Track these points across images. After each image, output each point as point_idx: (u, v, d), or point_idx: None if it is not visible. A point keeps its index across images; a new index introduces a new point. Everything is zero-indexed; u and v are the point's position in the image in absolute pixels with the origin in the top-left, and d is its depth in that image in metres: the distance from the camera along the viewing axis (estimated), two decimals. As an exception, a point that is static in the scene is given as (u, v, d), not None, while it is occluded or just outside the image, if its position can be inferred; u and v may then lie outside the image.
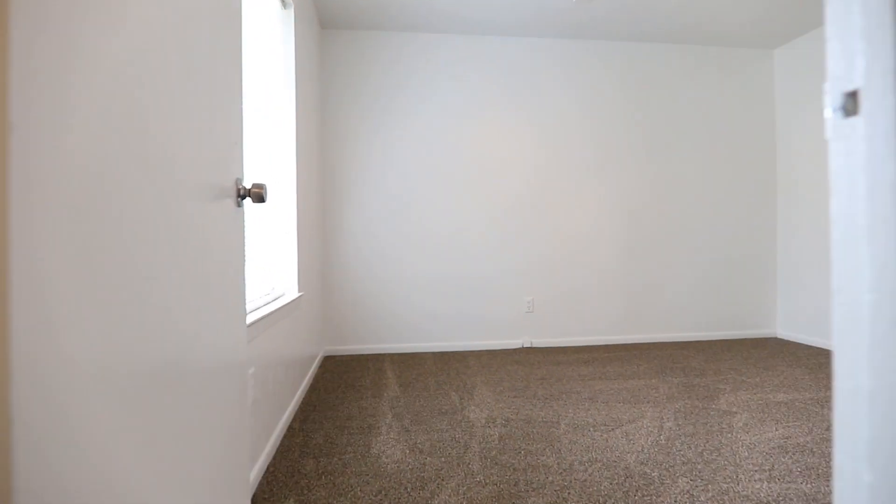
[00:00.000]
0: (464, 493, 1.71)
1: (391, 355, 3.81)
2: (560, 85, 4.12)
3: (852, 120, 0.58)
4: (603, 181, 4.18)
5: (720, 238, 4.36)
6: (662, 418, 2.40)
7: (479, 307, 4.03)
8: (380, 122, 3.91)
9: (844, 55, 0.59)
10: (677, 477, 1.81)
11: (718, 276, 4.36)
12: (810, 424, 2.30)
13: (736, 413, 2.46)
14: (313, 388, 2.96)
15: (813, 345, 4.03)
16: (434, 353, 3.86)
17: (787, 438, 2.14)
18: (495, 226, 4.04)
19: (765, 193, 4.43)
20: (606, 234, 4.19)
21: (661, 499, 1.66)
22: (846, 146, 0.59)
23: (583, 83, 4.15)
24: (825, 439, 2.12)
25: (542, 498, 1.67)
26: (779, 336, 4.41)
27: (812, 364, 3.42)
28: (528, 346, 4.07)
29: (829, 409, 2.52)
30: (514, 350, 3.97)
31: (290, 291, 2.69)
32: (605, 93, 4.18)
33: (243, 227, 1.16)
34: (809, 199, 4.14)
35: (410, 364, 3.54)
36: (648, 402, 2.64)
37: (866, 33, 0.56)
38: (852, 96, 0.58)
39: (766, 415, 2.43)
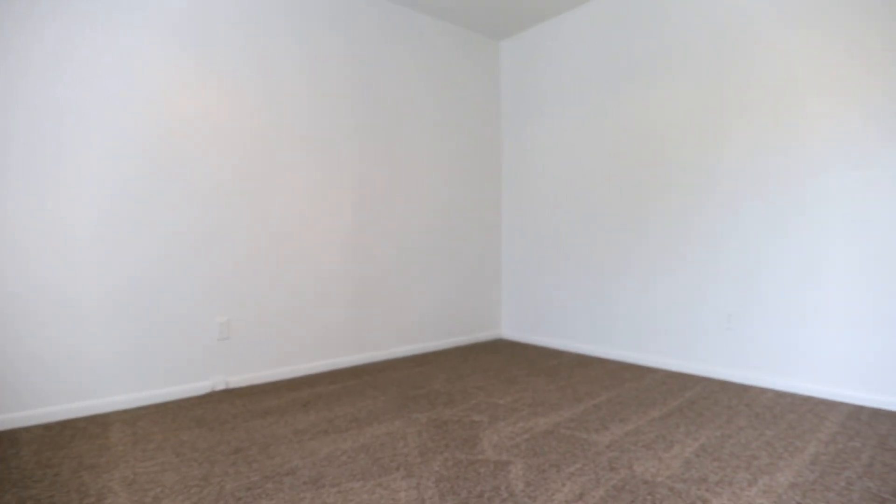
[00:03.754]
0: None
1: (-57, 447, 2.04)
2: (272, 31, 3.01)
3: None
4: (323, 159, 3.24)
5: (450, 235, 3.95)
6: (423, 499, 1.59)
7: (142, 340, 2.57)
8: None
9: None
10: None
11: (449, 276, 3.94)
12: (593, 465, 1.82)
13: (509, 464, 1.84)
14: None
15: (536, 344, 3.96)
16: (45, 427, 2.25)
17: (581, 498, 1.58)
18: (176, 222, 2.66)
19: (492, 190, 4.24)
20: (326, 228, 3.26)
21: None
22: None
23: (298, 30, 3.13)
24: (619, 489, 1.64)
25: None
26: (504, 337, 4.27)
27: (546, 367, 3.21)
28: (223, 388, 2.82)
29: (590, 432, 2.15)
30: (199, 399, 2.66)
31: None
32: (325, 46, 3.26)
33: None
34: (530, 199, 4.07)
35: (-21, 462, 1.89)
36: (398, 468, 1.81)
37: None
38: None
39: (542, 458, 1.88)
